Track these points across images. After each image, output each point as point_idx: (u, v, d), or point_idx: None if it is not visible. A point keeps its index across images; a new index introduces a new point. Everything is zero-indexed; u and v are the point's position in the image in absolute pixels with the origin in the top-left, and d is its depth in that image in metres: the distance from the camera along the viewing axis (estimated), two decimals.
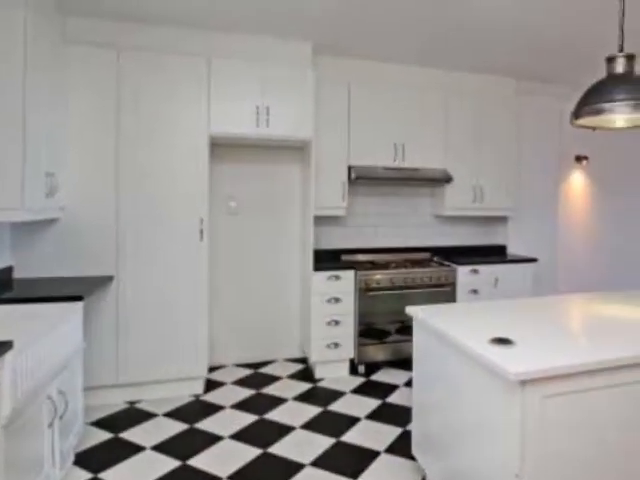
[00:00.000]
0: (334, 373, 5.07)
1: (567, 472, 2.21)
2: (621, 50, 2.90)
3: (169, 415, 4.17)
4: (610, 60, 2.88)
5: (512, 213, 6.12)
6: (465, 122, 5.81)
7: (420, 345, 3.12)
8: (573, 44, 4.85)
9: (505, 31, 4.54)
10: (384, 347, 5.13)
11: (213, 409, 4.29)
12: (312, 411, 4.26)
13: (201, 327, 4.56)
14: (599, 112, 2.78)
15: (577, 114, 2.95)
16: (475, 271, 5.54)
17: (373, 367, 5.27)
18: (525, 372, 2.05)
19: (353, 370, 5.16)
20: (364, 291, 5.03)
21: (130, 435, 3.81)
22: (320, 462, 3.45)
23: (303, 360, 5.53)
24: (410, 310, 3.20)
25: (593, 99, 2.81)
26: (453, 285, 5.39)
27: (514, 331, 2.63)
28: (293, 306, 5.62)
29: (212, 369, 5.21)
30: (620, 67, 2.84)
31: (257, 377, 5.03)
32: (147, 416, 4.14)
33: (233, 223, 5.35)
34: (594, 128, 3.21)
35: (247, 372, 5.16)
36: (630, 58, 2.84)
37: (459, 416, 2.60)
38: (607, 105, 2.72)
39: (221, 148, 5.26)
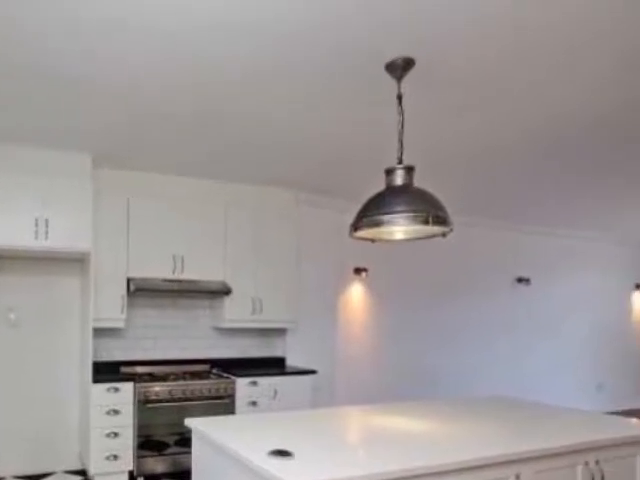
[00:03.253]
0: None
1: None
2: (400, 162, 2.95)
3: None
4: (389, 172, 2.94)
5: (291, 325, 6.21)
6: (245, 233, 5.85)
7: (199, 457, 2.99)
8: (351, 157, 4.96)
9: (284, 145, 4.67)
10: (163, 459, 5.03)
11: None
12: None
13: None
14: (378, 224, 2.85)
15: (356, 226, 2.98)
16: (254, 383, 5.45)
17: (153, 479, 5.04)
18: None
19: None
20: (143, 403, 4.94)
21: None
22: None
23: (83, 472, 5.26)
24: (189, 422, 3.09)
25: (372, 211, 2.87)
26: (232, 397, 5.28)
27: (293, 443, 2.56)
28: (72, 417, 5.46)
29: None
30: (399, 179, 2.89)
31: None
32: None
33: (13, 335, 5.23)
34: (373, 240, 3.29)
35: None
36: (409, 170, 2.91)
37: None
38: (386, 217, 2.79)
39: (1, 260, 5.08)
